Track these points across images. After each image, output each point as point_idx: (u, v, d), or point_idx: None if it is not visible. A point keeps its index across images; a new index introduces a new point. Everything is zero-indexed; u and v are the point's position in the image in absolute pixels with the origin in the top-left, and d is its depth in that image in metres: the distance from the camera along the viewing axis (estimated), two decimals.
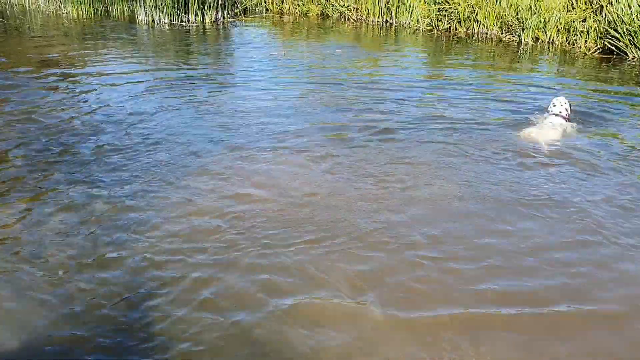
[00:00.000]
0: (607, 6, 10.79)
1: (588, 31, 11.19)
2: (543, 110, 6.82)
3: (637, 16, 10.08)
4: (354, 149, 5.89)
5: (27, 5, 16.63)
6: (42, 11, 15.79)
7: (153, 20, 14.20)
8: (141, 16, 14.36)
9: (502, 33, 12.43)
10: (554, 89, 8.41)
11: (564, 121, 6.41)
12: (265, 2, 16.37)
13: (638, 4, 10.12)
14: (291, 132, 6.36)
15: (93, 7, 15.46)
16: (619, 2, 10.45)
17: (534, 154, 5.76)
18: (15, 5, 16.54)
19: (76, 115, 6.80)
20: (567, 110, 6.51)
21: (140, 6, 14.33)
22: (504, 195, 4.85)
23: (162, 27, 13.63)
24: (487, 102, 7.63)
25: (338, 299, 3.53)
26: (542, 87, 8.54)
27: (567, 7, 11.70)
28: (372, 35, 13.23)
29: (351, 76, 9.05)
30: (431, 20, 13.47)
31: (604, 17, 10.84)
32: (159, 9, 14.11)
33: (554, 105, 6.54)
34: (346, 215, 4.50)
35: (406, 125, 6.55)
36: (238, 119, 6.81)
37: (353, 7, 14.73)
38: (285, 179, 5.15)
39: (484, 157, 5.68)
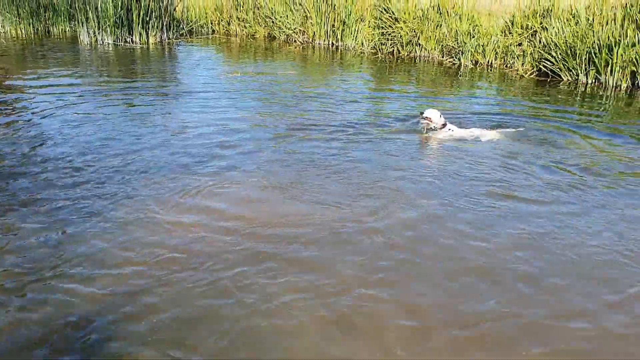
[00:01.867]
0: (540, 31, 11.25)
1: (524, 55, 11.62)
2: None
3: (569, 41, 10.54)
4: (298, 166, 5.89)
5: None
6: None
7: (96, 41, 13.97)
8: (84, 36, 14.11)
9: (442, 56, 12.77)
10: (490, 109, 8.68)
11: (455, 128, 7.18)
12: (211, 24, 16.36)
13: (570, 31, 10.60)
14: (237, 151, 6.33)
15: (33, 27, 15.12)
16: (553, 27, 10.91)
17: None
18: None
19: (10, 134, 6.57)
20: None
21: (82, 26, 14.08)
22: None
23: (105, 48, 13.40)
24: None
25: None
26: (479, 107, 8.79)
27: (505, 32, 12.12)
28: (318, 57, 13.36)
29: (297, 95, 9.09)
30: (375, 44, 13.73)
31: (539, 41, 11.28)
32: (102, 29, 13.89)
33: (440, 116, 7.11)
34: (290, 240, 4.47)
35: (350, 139, 6.63)
36: (183, 139, 6.72)
37: (299, 29, 14.87)
38: (229, 202, 5.09)
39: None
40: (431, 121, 7.04)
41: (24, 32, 15.02)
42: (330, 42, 14.49)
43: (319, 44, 14.55)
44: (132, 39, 14.10)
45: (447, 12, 12.63)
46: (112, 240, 4.35)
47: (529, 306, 3.69)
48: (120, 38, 13.97)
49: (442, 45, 12.74)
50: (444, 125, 7.08)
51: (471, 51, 12.13)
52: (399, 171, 5.92)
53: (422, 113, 7.14)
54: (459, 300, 3.75)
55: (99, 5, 13.62)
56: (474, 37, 12.24)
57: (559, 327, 3.48)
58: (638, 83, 10.18)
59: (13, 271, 3.91)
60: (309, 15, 14.52)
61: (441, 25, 12.62)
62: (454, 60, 12.48)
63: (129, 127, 7.17)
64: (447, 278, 3.99)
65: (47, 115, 7.55)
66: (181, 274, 3.91)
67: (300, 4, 14.65)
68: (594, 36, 10.31)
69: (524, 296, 3.80)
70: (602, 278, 4.04)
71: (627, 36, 9.99)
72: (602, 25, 10.33)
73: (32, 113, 7.61)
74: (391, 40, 13.45)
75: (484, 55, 12.12)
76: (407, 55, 13.19)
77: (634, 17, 10.14)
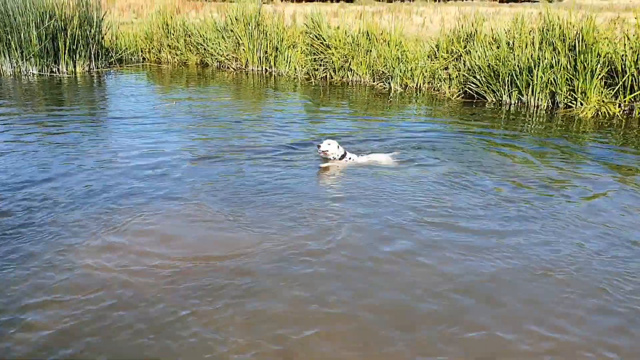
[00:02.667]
0: (464, 55, 11.74)
1: (450, 78, 12.07)
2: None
3: (492, 64, 11.05)
4: (230, 193, 5.85)
5: None
6: None
7: (20, 71, 13.48)
8: (6, 67, 13.59)
9: (374, 81, 13.09)
10: (418, 128, 8.94)
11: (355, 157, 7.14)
12: (142, 52, 16.13)
13: (492, 55, 11.11)
14: (172, 181, 6.21)
15: None
16: (476, 51, 11.41)
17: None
18: None
19: None
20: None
21: (4, 56, 13.56)
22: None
23: (30, 78, 12.95)
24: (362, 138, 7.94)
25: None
26: (407, 127, 9.03)
27: (431, 57, 12.57)
28: (252, 83, 13.39)
29: (231, 120, 9.05)
30: (308, 70, 13.92)
31: (463, 65, 11.76)
32: (26, 58, 13.43)
33: (338, 147, 6.92)
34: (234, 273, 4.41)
35: (280, 163, 6.65)
36: (111, 169, 6.54)
37: (232, 56, 14.89)
38: (158, 237, 4.98)
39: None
40: (328, 153, 6.85)
41: None
42: (264, 68, 14.58)
43: (253, 69, 14.60)
44: (58, 68, 13.70)
45: (376, 38, 12.98)
46: (33, 284, 4.16)
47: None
48: (46, 68, 13.54)
49: (372, 70, 13.07)
50: (343, 155, 6.93)
51: (400, 75, 12.49)
52: (331, 194, 5.99)
53: (319, 146, 6.89)
54: (409, 326, 3.79)
55: (22, 34, 13.18)
56: (402, 62, 12.62)
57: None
58: (557, 102, 10.75)
59: None
60: (241, 42, 14.58)
61: (371, 51, 12.96)
62: (384, 84, 12.81)
63: (54, 158, 6.93)
64: (397, 305, 4.04)
65: None
66: (109, 317, 3.78)
67: (231, 31, 14.69)
68: (514, 59, 10.85)
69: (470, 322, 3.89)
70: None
71: (545, 58, 10.57)
72: (522, 49, 10.89)
73: None
74: (324, 65, 13.69)
75: (413, 80, 12.50)
76: (340, 80, 13.44)
77: (551, 41, 10.74)
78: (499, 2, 75.11)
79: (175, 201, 5.70)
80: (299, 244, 4.82)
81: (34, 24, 13.10)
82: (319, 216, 5.43)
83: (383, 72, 12.80)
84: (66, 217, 5.24)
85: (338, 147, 6.91)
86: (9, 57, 13.52)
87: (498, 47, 11.30)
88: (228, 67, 15.01)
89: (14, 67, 13.55)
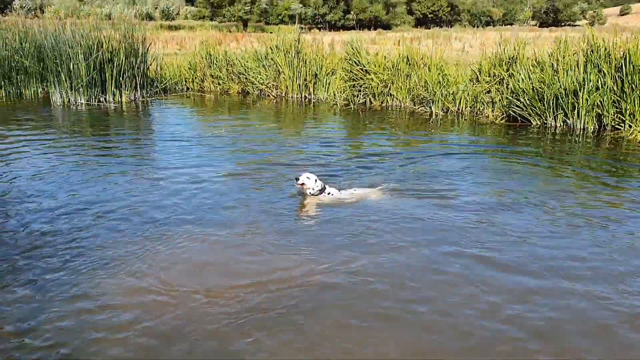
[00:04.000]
0: (507, 78, 11.57)
1: (493, 102, 11.90)
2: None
3: (536, 87, 10.86)
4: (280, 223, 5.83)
5: None
6: None
7: (68, 101, 13.93)
8: (56, 97, 14.07)
9: (414, 105, 13.02)
10: (464, 153, 8.80)
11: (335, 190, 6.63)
12: (185, 82, 16.50)
13: (536, 77, 10.92)
14: (218, 209, 6.26)
15: (5, 90, 15.04)
16: (519, 74, 11.24)
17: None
18: None
19: None
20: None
21: (55, 87, 14.06)
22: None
23: (78, 108, 13.36)
24: (407, 169, 7.84)
25: None
26: (452, 151, 8.89)
27: (473, 80, 12.44)
28: (292, 110, 13.49)
29: (275, 150, 9.10)
30: (347, 95, 13.97)
31: (506, 88, 11.59)
32: (75, 89, 13.88)
33: (316, 181, 6.51)
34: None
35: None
36: (157, 194, 6.63)
37: (272, 84, 15.08)
38: (211, 265, 4.99)
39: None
40: (305, 187, 6.49)
41: None
42: (303, 95, 14.70)
43: (292, 97, 14.74)
44: (105, 98, 14.10)
45: (416, 63, 12.95)
46: (77, 313, 4.19)
47: None
48: (94, 98, 13.96)
49: (413, 95, 13.01)
50: (323, 189, 6.53)
51: (441, 99, 12.39)
52: (368, 219, 5.91)
53: (297, 179, 6.50)
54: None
55: (71, 66, 13.65)
56: (443, 86, 12.53)
57: None
58: (604, 125, 10.46)
59: None
60: (281, 70, 14.76)
61: (411, 75, 12.92)
62: (425, 108, 12.72)
63: (99, 183, 7.07)
64: (433, 330, 3.92)
65: (20, 174, 7.42)
66: (159, 349, 3.77)
67: (272, 60, 14.91)
68: (559, 81, 10.63)
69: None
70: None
71: (590, 81, 10.33)
72: (566, 71, 10.67)
73: (3, 176, 7.47)
74: (363, 91, 13.71)
75: (455, 103, 12.38)
76: (380, 105, 13.42)
77: (596, 62, 10.50)
78: (539, 27, 74.33)
79: (222, 227, 5.72)
80: (342, 269, 4.75)
81: (82, 56, 13.55)
82: (357, 241, 5.35)
83: (424, 96, 12.73)
84: (109, 243, 5.31)
85: (316, 180, 6.49)
86: (59, 87, 14.00)
87: (542, 70, 11.10)
88: (268, 95, 15.19)
89: (63, 97, 14.01)
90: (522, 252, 5.08)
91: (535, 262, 4.87)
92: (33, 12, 30.84)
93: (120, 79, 14.21)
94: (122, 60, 14.04)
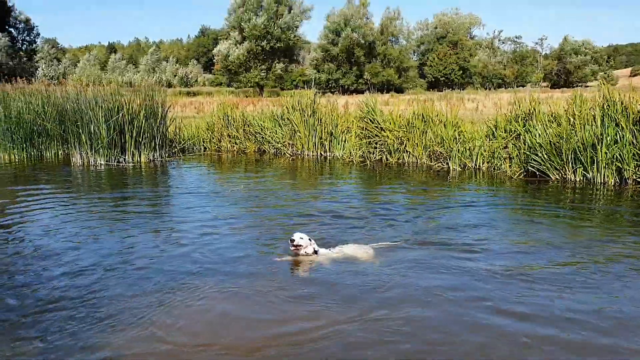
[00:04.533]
0: (524, 134, 11.57)
1: (511, 157, 11.86)
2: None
3: (553, 142, 10.82)
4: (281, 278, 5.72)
5: None
6: None
7: (88, 162, 14.13)
8: (76, 158, 14.30)
9: (431, 161, 13.01)
10: (483, 206, 8.67)
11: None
12: (203, 142, 16.73)
13: (553, 132, 10.90)
14: (234, 262, 6.17)
15: (26, 152, 15.35)
16: (536, 129, 11.23)
17: None
18: None
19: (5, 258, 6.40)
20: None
21: (75, 149, 14.31)
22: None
23: (97, 168, 13.53)
24: (428, 223, 7.73)
25: None
26: (472, 204, 8.77)
27: (489, 136, 12.46)
28: (308, 167, 13.54)
29: (293, 207, 9.06)
30: (363, 152, 14.03)
31: (523, 143, 11.56)
32: (95, 150, 14.11)
33: (310, 240, 6.28)
34: None
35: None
36: (174, 250, 6.57)
37: (288, 142, 15.23)
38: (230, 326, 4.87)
39: None
40: (302, 248, 6.18)
41: (17, 157, 15.22)
42: (319, 153, 14.79)
43: (308, 155, 14.83)
44: (124, 158, 14.30)
45: (432, 119, 13.04)
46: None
47: None
48: (113, 158, 14.16)
49: (429, 151, 13.03)
50: (316, 251, 6.23)
51: (458, 156, 12.38)
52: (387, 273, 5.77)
53: (292, 240, 6.19)
54: None
55: (92, 128, 13.94)
56: (459, 142, 12.55)
57: None
58: (625, 178, 10.32)
59: None
60: (297, 129, 14.94)
61: (426, 132, 12.98)
62: (442, 164, 12.70)
63: (117, 240, 7.05)
64: None
65: (40, 231, 7.43)
66: None
67: (288, 119, 15.12)
68: (576, 135, 10.59)
69: None
70: None
71: (608, 134, 10.28)
72: (583, 125, 10.65)
73: (24, 234, 7.49)
74: (379, 148, 13.77)
75: (472, 159, 12.35)
76: (396, 161, 13.43)
77: (613, 116, 10.49)
78: (550, 88, 75.18)
79: (239, 279, 5.62)
80: (363, 319, 4.60)
81: (103, 118, 13.85)
82: (375, 292, 5.21)
83: (440, 152, 12.74)
84: (126, 297, 5.22)
85: (310, 240, 6.26)
86: (79, 149, 14.25)
87: (558, 125, 11.09)
88: (284, 154, 15.31)
89: (83, 158, 14.23)
90: (545, 303, 4.89)
91: (561, 314, 4.68)
92: (56, 80, 31.87)
93: (140, 139, 14.43)
94: (142, 122, 14.31)
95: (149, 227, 7.67)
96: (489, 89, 66.64)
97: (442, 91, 62.46)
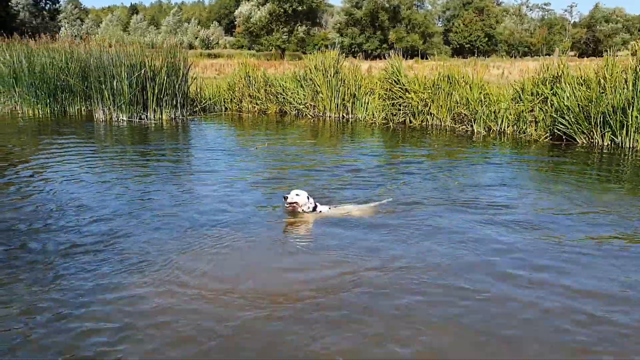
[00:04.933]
0: (551, 97, 11.28)
1: (536, 120, 11.60)
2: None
3: (582, 105, 10.53)
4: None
5: None
6: None
7: (111, 118, 14.18)
8: (99, 114, 14.35)
9: (455, 124, 12.80)
10: (507, 165, 8.53)
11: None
12: (224, 102, 16.65)
13: (582, 95, 10.61)
14: (256, 215, 6.17)
15: (50, 107, 15.43)
16: (564, 92, 10.94)
17: None
18: None
19: (22, 208, 6.47)
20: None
21: (98, 105, 14.36)
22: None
23: (119, 125, 13.57)
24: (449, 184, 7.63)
25: None
26: (496, 163, 8.62)
27: (515, 99, 12.19)
28: (329, 128, 13.42)
29: (312, 164, 9.00)
30: (386, 114, 13.85)
31: (551, 106, 11.29)
32: (117, 107, 14.14)
33: (308, 198, 6.02)
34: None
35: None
36: (200, 203, 6.59)
37: (310, 104, 15.08)
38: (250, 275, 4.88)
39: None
40: (298, 206, 5.94)
41: (40, 112, 15.32)
42: (341, 115, 14.64)
43: (330, 116, 14.69)
44: (146, 115, 14.31)
45: (457, 81, 12.78)
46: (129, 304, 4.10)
47: None
48: (135, 115, 14.18)
49: (453, 114, 12.81)
50: (315, 207, 6.01)
51: (483, 118, 12.15)
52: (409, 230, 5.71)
53: (285, 197, 5.95)
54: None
55: (115, 84, 13.93)
56: (485, 105, 12.30)
57: None
58: None
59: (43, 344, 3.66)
60: (319, 90, 14.76)
61: (452, 94, 12.74)
62: (466, 127, 12.50)
63: (137, 192, 7.07)
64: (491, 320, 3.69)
65: (62, 181, 7.49)
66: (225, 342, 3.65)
67: (310, 80, 14.94)
68: (606, 99, 10.30)
69: None
70: None
71: None
72: (614, 89, 10.34)
73: (48, 182, 7.56)
74: (402, 110, 13.57)
75: (496, 122, 12.12)
76: (419, 124, 13.24)
77: None
78: (578, 57, 73.31)
79: (262, 230, 5.62)
80: (390, 267, 4.58)
81: (126, 74, 13.82)
82: (400, 243, 5.17)
83: (465, 115, 12.52)
84: (150, 244, 5.25)
85: (308, 197, 5.99)
86: (102, 105, 14.29)
87: (588, 88, 10.78)
88: (305, 115, 15.18)
89: (106, 114, 14.28)
90: (568, 260, 4.81)
91: (583, 273, 4.60)
92: (79, 38, 31.84)
93: (162, 97, 14.41)
94: (164, 79, 14.26)
95: (170, 179, 7.71)
96: (515, 57, 65.20)
97: (466, 58, 61.30)
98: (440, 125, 13.01)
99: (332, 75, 14.41)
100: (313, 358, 3.37)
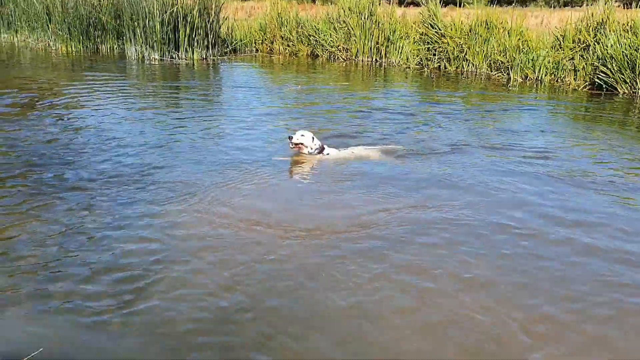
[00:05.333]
0: (594, 44, 10.88)
1: (576, 69, 11.24)
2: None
3: (626, 53, 10.14)
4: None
5: (15, 42, 16.64)
6: (30, 48, 15.74)
7: (143, 57, 14.16)
8: (131, 52, 14.35)
9: (491, 71, 12.48)
10: (545, 112, 8.33)
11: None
12: (255, 43, 16.45)
13: (627, 43, 10.19)
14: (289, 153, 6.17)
15: (83, 44, 15.45)
16: (608, 39, 10.53)
17: None
18: (4, 43, 16.53)
19: (58, 139, 6.57)
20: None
21: (130, 42, 14.34)
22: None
23: (151, 63, 13.56)
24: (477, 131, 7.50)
25: None
26: (532, 109, 8.43)
27: (555, 47, 11.79)
28: (362, 72, 13.21)
29: (343, 105, 8.92)
30: (421, 59, 13.56)
31: (592, 54, 10.90)
32: (149, 45, 14.09)
33: (313, 139, 5.88)
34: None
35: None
36: (233, 139, 6.61)
37: (343, 47, 14.81)
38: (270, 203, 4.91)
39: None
40: (303, 147, 5.83)
41: (73, 49, 15.36)
42: (374, 59, 14.37)
43: (363, 60, 14.43)
44: (177, 55, 14.25)
45: (495, 27, 12.38)
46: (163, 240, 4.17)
47: None
48: (167, 54, 14.13)
49: (490, 60, 12.48)
50: (322, 149, 5.89)
51: (520, 66, 11.82)
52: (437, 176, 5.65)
53: (290, 138, 5.81)
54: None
55: (147, 23, 13.85)
56: (522, 52, 11.93)
57: None
58: None
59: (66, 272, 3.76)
60: (352, 32, 14.46)
61: (489, 39, 12.37)
62: (502, 74, 12.18)
63: (167, 127, 7.13)
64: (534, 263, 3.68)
65: (95, 113, 7.57)
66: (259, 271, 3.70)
67: (343, 22, 14.62)
68: None
69: None
70: None
71: None
72: None
73: (82, 116, 7.65)
74: (437, 55, 13.26)
75: (534, 70, 11.78)
76: (454, 70, 12.94)
77: None
78: (624, 7, 70.31)
79: (284, 169, 5.63)
80: (429, 205, 4.56)
81: (158, 12, 13.71)
82: (440, 184, 5.13)
83: (501, 62, 12.18)
84: (186, 176, 5.30)
85: (313, 139, 5.87)
86: (134, 43, 14.27)
87: (634, 35, 10.35)
88: (338, 58, 14.93)
89: (138, 52, 14.27)
90: (604, 209, 4.73)
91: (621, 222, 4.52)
92: None
93: (193, 36, 14.30)
94: (196, 19, 14.12)
95: (203, 115, 7.74)
96: (554, 8, 62.75)
97: (502, 6, 59.21)
98: (476, 72, 12.69)
99: (366, 17, 14.07)
100: (353, 285, 3.40)
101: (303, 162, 5.74)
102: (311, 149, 5.84)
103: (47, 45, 15.90)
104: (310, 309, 3.12)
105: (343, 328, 2.95)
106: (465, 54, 12.76)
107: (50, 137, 6.39)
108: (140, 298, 3.18)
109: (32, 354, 2.62)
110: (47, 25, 15.88)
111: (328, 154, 5.93)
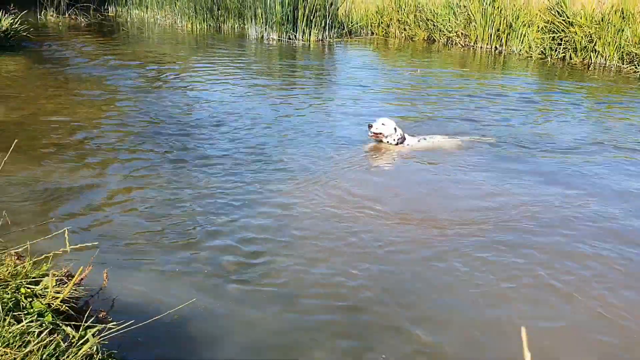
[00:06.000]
0: None
1: None
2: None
3: None
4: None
5: (145, 18, 17.71)
6: (158, 24, 16.70)
7: (262, 37, 14.60)
8: (251, 32, 14.84)
9: (622, 64, 11.62)
10: None
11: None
12: (371, 26, 16.39)
13: None
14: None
15: (206, 23, 16.16)
16: None
17: None
18: (135, 18, 17.64)
19: (182, 112, 6.98)
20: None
21: (251, 22, 14.82)
22: None
23: (270, 43, 13.95)
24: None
25: None
26: None
27: None
28: (480, 60, 12.80)
29: (456, 91, 8.73)
30: (544, 49, 12.89)
31: None
32: (269, 25, 14.50)
33: (395, 129, 5.62)
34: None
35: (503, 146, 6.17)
36: (346, 123, 6.70)
37: (461, 32, 14.39)
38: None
39: None
40: (381, 136, 5.57)
41: (197, 27, 16.12)
42: (494, 47, 13.84)
43: (481, 47, 13.96)
44: (295, 35, 14.54)
45: (632, 16, 11.48)
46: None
47: None
48: (285, 34, 14.46)
49: (622, 52, 11.62)
50: (403, 139, 5.61)
51: None
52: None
53: (370, 126, 5.55)
54: None
55: (268, 3, 14.25)
56: None
57: None
58: None
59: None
60: (472, 17, 14.00)
61: (624, 30, 11.51)
62: (636, 68, 11.31)
63: (285, 106, 7.33)
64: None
65: (217, 92, 7.95)
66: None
67: (464, 6, 14.19)
68: None
69: None
70: None
71: None
72: None
73: (201, 91, 8.05)
74: (563, 45, 12.54)
75: None
76: (580, 61, 12.18)
77: None
78: None
79: (398, 156, 5.61)
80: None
81: None
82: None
83: (636, 54, 11.30)
84: (298, 157, 5.44)
85: (395, 129, 5.56)
86: (254, 23, 14.74)
87: None
88: (455, 44, 14.54)
89: (257, 32, 14.73)
90: None
91: None
92: None
93: (311, 18, 14.51)
94: (315, 0, 14.31)
95: (317, 95, 7.92)
96: None
97: None
98: (605, 64, 11.87)
99: (488, 2, 13.56)
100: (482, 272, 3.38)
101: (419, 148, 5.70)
102: (392, 139, 5.62)
103: (174, 22, 16.78)
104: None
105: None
106: (595, 44, 11.96)
107: (167, 112, 6.79)
108: (268, 274, 3.34)
109: (187, 302, 2.76)
110: (175, 3, 16.76)
111: (408, 144, 5.73)
